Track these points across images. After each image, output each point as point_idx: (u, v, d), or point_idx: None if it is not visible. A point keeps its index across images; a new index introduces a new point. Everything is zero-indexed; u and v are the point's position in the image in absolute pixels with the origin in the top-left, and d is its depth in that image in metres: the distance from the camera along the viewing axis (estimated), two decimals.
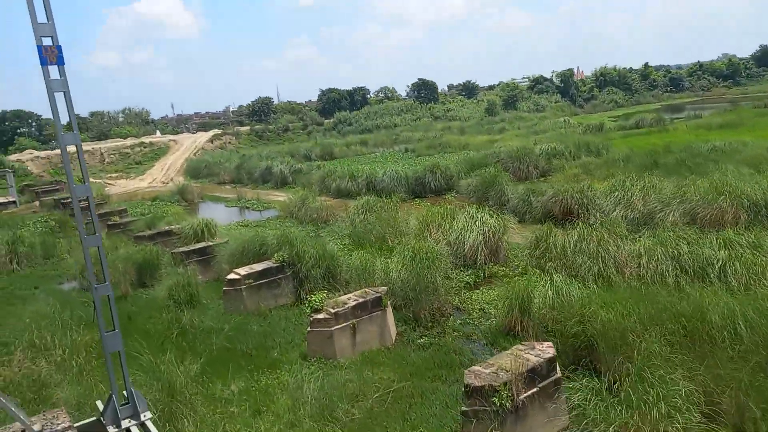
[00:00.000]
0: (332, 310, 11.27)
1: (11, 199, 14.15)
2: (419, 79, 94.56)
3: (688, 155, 25.20)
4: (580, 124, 59.26)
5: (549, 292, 10.92)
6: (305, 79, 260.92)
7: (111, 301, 7.16)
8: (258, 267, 15.04)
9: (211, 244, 18.67)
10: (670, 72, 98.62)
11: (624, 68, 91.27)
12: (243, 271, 14.86)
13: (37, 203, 42.28)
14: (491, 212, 17.28)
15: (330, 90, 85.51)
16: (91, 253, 7.06)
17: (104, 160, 61.49)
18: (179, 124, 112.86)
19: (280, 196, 34.69)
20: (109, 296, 7.16)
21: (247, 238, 16.59)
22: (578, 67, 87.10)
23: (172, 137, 69.45)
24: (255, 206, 32.14)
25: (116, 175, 56.38)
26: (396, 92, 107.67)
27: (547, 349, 8.48)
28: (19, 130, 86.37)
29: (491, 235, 16.25)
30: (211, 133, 71.65)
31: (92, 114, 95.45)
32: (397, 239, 19.37)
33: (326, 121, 76.81)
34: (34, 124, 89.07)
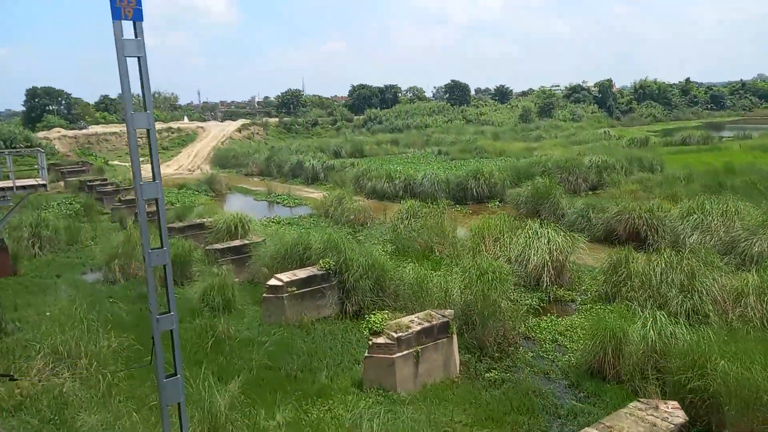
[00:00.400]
0: (394, 335, 9.82)
1: (41, 182, 12.93)
2: (451, 81, 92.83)
3: (759, 178, 23.26)
4: (621, 137, 57.22)
5: (651, 331, 9.31)
6: (332, 74, 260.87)
7: (174, 338, 5.55)
8: (301, 274, 13.66)
9: (247, 242, 17.34)
10: (711, 89, 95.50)
11: (664, 82, 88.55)
12: (285, 277, 13.48)
13: (62, 183, 41.57)
14: (556, 228, 15.67)
15: (361, 86, 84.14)
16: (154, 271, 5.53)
17: None
18: (205, 111, 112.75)
19: (312, 193, 33.42)
20: (173, 332, 5.54)
21: (289, 241, 15.18)
22: (610, 80, 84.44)
23: (200, 124, 68.68)
24: (286, 202, 30.84)
25: (142, 159, 55.48)
26: (423, 92, 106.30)
27: (674, 412, 6.94)
28: (48, 108, 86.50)
29: (557, 255, 14.66)
30: (239, 122, 70.76)
31: (120, 96, 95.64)
32: (446, 250, 17.95)
33: (356, 117, 75.48)
34: (63, 102, 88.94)
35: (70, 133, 60.47)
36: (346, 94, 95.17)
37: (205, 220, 20.84)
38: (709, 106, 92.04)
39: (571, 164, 29.26)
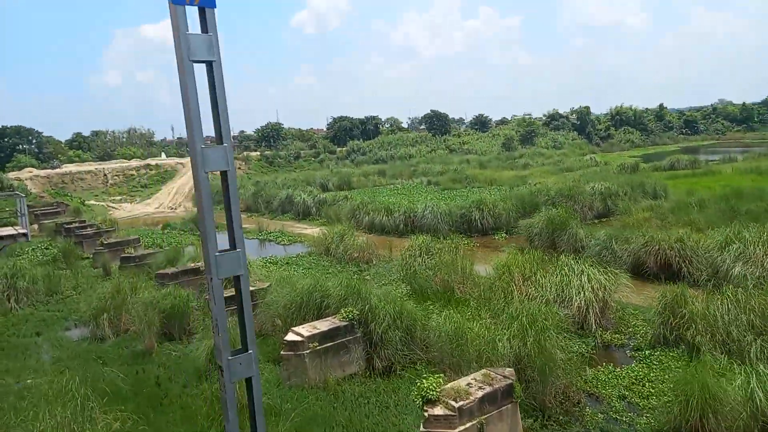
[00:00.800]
0: (454, 404, 8.33)
1: (22, 231, 11.27)
2: (431, 111, 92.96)
3: None
4: (607, 163, 57.27)
5: (757, 390, 8.03)
6: (306, 106, 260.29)
7: (255, 394, 3.89)
8: (322, 326, 12.12)
9: (251, 288, 15.71)
10: (684, 114, 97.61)
11: (639, 109, 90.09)
12: (305, 331, 11.92)
13: (35, 227, 39.15)
14: (592, 263, 14.47)
15: (341, 118, 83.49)
16: None
17: (107, 182, 58.62)
18: (180, 147, 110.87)
19: (306, 229, 31.90)
20: (252, 382, 3.91)
21: (304, 287, 13.63)
22: (588, 107, 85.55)
23: (179, 160, 66.80)
24: (279, 239, 29.23)
25: (120, 198, 53.47)
26: (401, 123, 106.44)
27: None
28: (18, 147, 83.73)
29: (601, 293, 13.42)
30: None
31: (95, 133, 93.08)
32: (468, 290, 16.60)
33: (339, 149, 74.52)
34: (34, 141, 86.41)
35: (43, 172, 58.00)
36: (322, 126, 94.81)
37: (199, 264, 19.12)
38: (684, 130, 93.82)
39: (574, 192, 28.43)
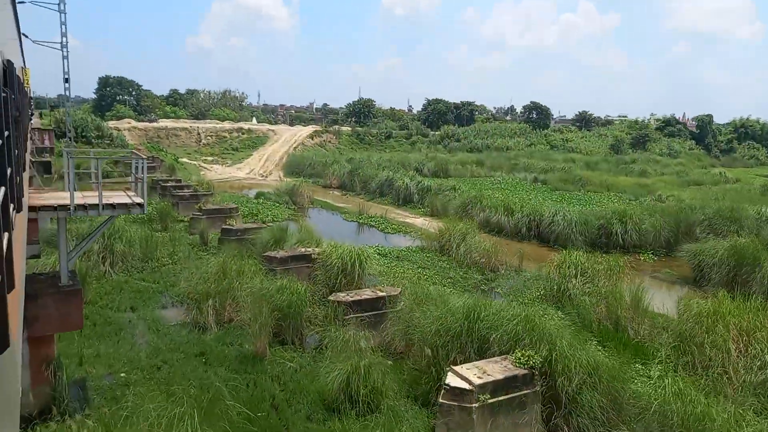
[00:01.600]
0: None
1: (137, 201, 9.13)
2: (531, 102, 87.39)
3: None
4: (737, 179, 50.79)
5: None
6: (388, 86, 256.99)
7: None
8: (493, 371, 9.13)
9: (381, 294, 12.95)
10: None
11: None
12: (473, 375, 8.97)
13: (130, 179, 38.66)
14: None
15: (436, 101, 79.87)
16: None
17: (200, 141, 58.37)
18: (265, 113, 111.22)
19: (408, 217, 29.05)
20: None
21: (458, 311, 10.63)
22: (684, 113, 77.20)
23: (270, 127, 65.85)
24: (382, 227, 26.51)
25: (211, 158, 52.85)
26: (496, 112, 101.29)
27: None
28: (118, 98, 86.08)
29: None
30: (310, 128, 67.58)
31: (190, 92, 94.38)
32: (643, 330, 13.12)
33: (432, 132, 71.15)
34: (133, 93, 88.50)
35: (140, 125, 58.46)
36: (403, 107, 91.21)
37: (311, 250, 16.64)
38: None
39: (736, 215, 23.85)
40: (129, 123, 58.30)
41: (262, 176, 45.68)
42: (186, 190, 28.01)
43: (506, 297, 16.43)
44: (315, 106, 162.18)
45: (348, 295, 12.73)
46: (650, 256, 21.91)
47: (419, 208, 31.30)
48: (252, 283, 13.89)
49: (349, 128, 67.29)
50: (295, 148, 56.34)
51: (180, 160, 48.05)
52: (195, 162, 50.23)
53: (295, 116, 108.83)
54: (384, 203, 33.32)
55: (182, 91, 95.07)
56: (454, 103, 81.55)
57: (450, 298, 11.77)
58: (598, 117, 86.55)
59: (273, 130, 62.60)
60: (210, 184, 29.55)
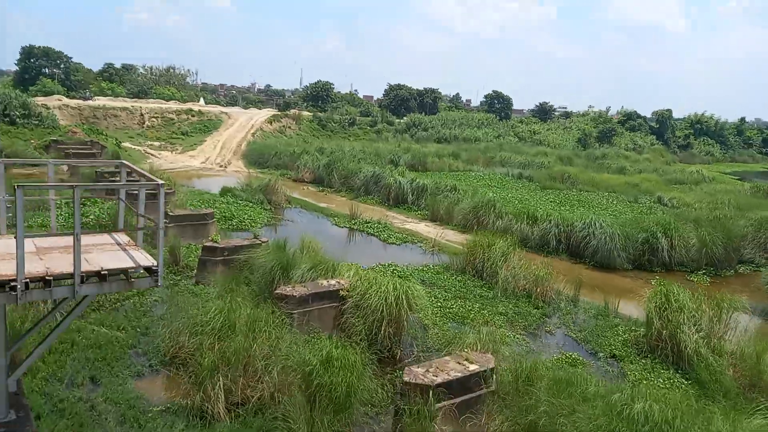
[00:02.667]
0: None
1: (145, 262, 5.07)
2: (493, 91, 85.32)
3: None
4: (713, 178, 50.12)
5: None
6: (330, 69, 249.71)
7: None
8: None
9: (473, 368, 9.12)
10: (763, 132, 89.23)
11: (721, 119, 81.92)
12: None
13: (65, 168, 32.75)
14: None
15: (398, 86, 75.86)
16: None
17: (144, 123, 51.93)
18: (213, 92, 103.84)
19: (407, 222, 25.27)
20: None
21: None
22: (670, 110, 77.26)
23: (222, 109, 59.95)
24: (382, 235, 22.57)
25: (159, 144, 46.81)
26: (460, 100, 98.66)
27: None
28: (44, 70, 76.92)
29: None
30: (265, 111, 62.18)
31: (126, 67, 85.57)
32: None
33: (396, 120, 67.23)
34: (62, 66, 79.21)
35: (73, 102, 51.29)
36: (345, 91, 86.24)
37: (336, 283, 12.59)
38: (763, 149, 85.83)
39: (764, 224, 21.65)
40: (59, 100, 50.95)
41: (221, 166, 40.46)
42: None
43: (584, 343, 13.07)
44: (258, 87, 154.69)
45: (428, 371, 8.81)
46: (704, 277, 19.19)
47: (415, 210, 27.53)
48: (271, 340, 9.86)
49: (310, 113, 62.33)
50: (253, 134, 51.03)
51: (122, 145, 41.93)
52: (139, 147, 44.16)
53: (242, 98, 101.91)
54: (370, 203, 29.33)
55: (118, 65, 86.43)
56: (417, 89, 77.91)
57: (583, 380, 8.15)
58: (561, 108, 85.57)
59: (226, 113, 56.83)
60: (171, 180, 24.53)
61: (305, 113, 61.61)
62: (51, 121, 38.58)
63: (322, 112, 66.19)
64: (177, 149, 45.34)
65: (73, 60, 79.42)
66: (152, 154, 42.34)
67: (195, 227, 19.05)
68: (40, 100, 48.44)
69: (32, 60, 76.08)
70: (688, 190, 38.90)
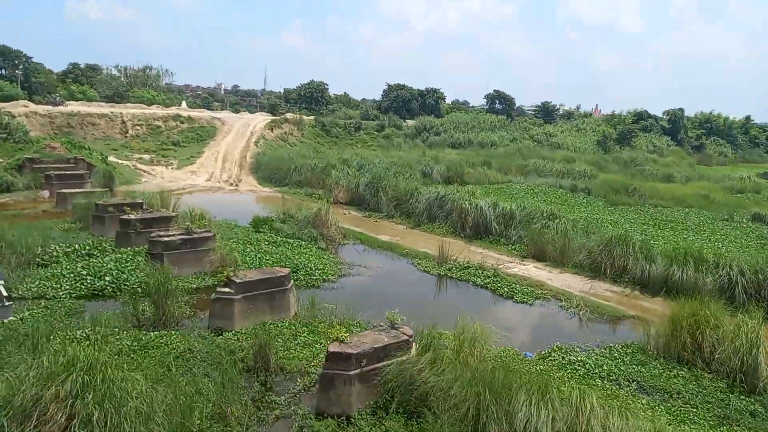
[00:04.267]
0: None
1: None
2: (495, 91, 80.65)
3: None
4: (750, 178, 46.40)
5: None
6: (292, 66, 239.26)
7: None
8: None
9: None
10: (766, 131, 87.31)
11: (730, 118, 79.36)
12: None
13: (46, 194, 26.24)
14: None
15: (399, 86, 70.21)
16: None
17: (127, 132, 44.98)
18: (196, 96, 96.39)
19: (509, 263, 19.76)
20: None
21: None
22: (596, 105, 74.24)
23: (214, 114, 53.26)
24: (502, 289, 17.03)
25: (148, 157, 40.06)
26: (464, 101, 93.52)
27: None
28: (0, 72, 68.63)
29: None
30: (260, 116, 55.81)
31: (89, 66, 76.83)
32: None
33: (404, 123, 61.62)
34: (20, 67, 70.75)
35: (41, 109, 43.94)
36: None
37: None
38: None
39: None
40: (25, 106, 43.49)
41: (231, 184, 34.20)
42: (171, 231, 16.78)
43: None
44: (224, 87, 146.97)
45: None
46: None
47: (504, 243, 22.10)
48: None
49: (311, 118, 56.20)
50: (255, 142, 44.75)
51: (108, 160, 35.17)
52: (127, 162, 37.43)
53: (228, 101, 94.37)
54: (439, 232, 23.82)
55: (82, 64, 77.86)
56: (418, 90, 72.45)
57: None
58: (568, 108, 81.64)
59: (219, 119, 50.23)
60: (203, 216, 18.41)
61: (307, 118, 55.47)
62: (22, 134, 31.53)
63: (316, 114, 60.24)
64: (172, 163, 38.74)
65: (33, 59, 71.17)
66: (145, 171, 35.74)
67: (270, 297, 13.22)
68: (1, 106, 41.00)
69: None
70: (765, 201, 34.87)
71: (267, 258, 17.54)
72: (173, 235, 16.29)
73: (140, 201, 21.01)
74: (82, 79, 70.42)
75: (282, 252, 18.44)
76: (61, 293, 14.12)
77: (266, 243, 19.68)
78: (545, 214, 22.41)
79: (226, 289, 12.81)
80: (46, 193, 26.03)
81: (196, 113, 51.53)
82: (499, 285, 17.05)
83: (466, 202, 23.52)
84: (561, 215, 22.72)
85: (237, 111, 63.13)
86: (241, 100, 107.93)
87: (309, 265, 17.36)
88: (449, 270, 18.44)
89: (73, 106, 47.45)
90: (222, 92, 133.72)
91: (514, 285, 17.07)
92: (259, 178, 35.93)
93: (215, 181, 34.69)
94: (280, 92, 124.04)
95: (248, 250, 18.34)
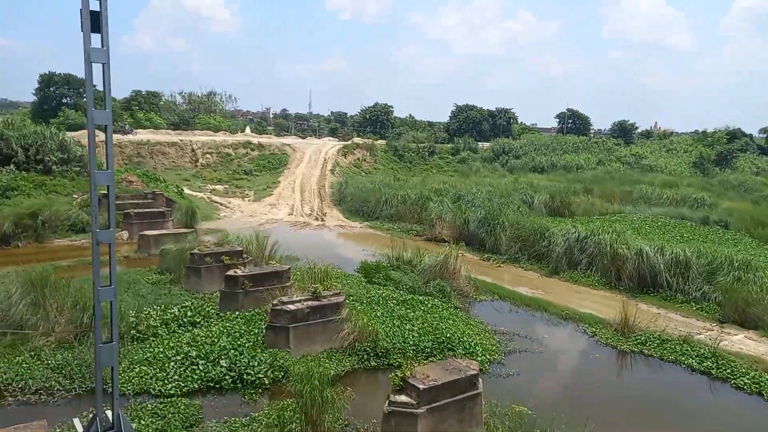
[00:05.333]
0: None
1: None
2: (568, 110, 75.99)
3: None
4: None
5: None
6: (335, 91, 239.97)
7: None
8: None
9: None
10: None
11: None
12: None
13: (125, 236, 23.52)
14: None
15: (468, 107, 66.55)
16: None
17: (197, 160, 42.78)
18: (261, 122, 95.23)
19: (711, 334, 15.30)
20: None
21: None
22: (656, 122, 67.62)
23: (283, 140, 50.76)
24: (735, 377, 12.65)
25: (221, 188, 37.46)
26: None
27: None
28: (65, 100, 68.60)
29: None
30: (329, 141, 53.02)
31: (151, 93, 76.04)
32: None
33: (480, 146, 57.71)
34: (84, 95, 70.62)
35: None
36: (355, 112, 76.92)
37: None
38: None
39: None
40: (95, 136, 41.88)
41: (316, 218, 30.92)
42: (296, 296, 13.21)
43: None
44: (273, 111, 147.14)
45: None
46: None
47: (681, 300, 17.64)
48: None
49: (383, 142, 52.96)
50: (331, 170, 41.71)
51: (183, 192, 32.57)
52: (201, 194, 34.84)
53: (294, 125, 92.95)
54: (584, 282, 19.62)
55: (146, 90, 77.48)
56: (488, 110, 68.56)
57: None
58: (645, 129, 76.04)
59: (289, 145, 47.59)
60: (328, 273, 14.79)
61: (379, 143, 52.32)
62: (97, 167, 29.18)
63: (383, 138, 57.15)
64: (248, 195, 35.93)
65: (97, 87, 71.04)
66: (221, 204, 32.98)
67: (460, 406, 9.41)
68: (74, 134, 39.36)
69: (52, 89, 68.02)
70: None
71: (408, 327, 13.83)
72: (299, 302, 12.77)
73: (239, 248, 17.79)
74: (145, 107, 69.79)
75: (420, 316, 14.67)
76: (169, 387, 10.73)
77: (393, 301, 15.99)
78: (735, 263, 17.82)
79: (404, 399, 9.04)
80: (125, 234, 23.27)
81: (265, 140, 49.13)
82: (728, 372, 12.68)
83: (623, 247, 19.20)
84: (757, 264, 18.08)
85: (304, 137, 60.68)
86: (297, 124, 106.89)
87: (463, 338, 13.49)
88: (641, 344, 14.20)
89: (141, 135, 45.75)
90: (271, 116, 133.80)
91: (751, 373, 12.65)
92: (343, 211, 32.59)
93: (297, 214, 31.50)
94: (328, 116, 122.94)
95: (379, 313, 14.68)
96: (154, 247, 20.82)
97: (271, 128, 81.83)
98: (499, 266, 22.11)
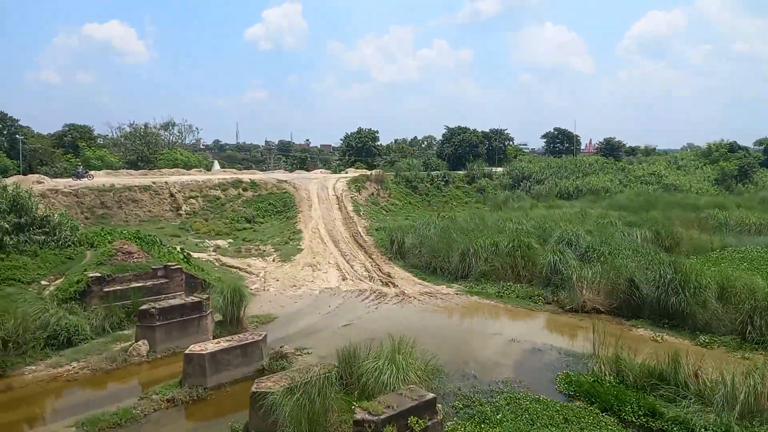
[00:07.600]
0: None
1: None
2: (555, 129, 71.70)
3: None
4: None
5: None
6: (258, 122, 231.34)
7: None
8: None
9: None
10: None
11: None
12: None
13: (143, 350, 14.71)
14: None
15: (462, 129, 60.31)
16: None
17: (179, 208, 33.44)
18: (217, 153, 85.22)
19: None
20: None
21: None
22: (591, 140, 66.38)
23: (279, 176, 42.00)
24: None
25: (227, 244, 28.46)
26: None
27: None
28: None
29: None
30: (325, 174, 44.90)
31: (68, 126, 61.65)
32: None
33: (494, 171, 51.23)
34: (5, 132, 58.68)
35: (62, 185, 32.31)
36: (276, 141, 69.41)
37: None
38: None
39: None
40: (40, 182, 31.75)
41: (383, 283, 22.72)
42: None
43: None
44: (203, 142, 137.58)
45: None
46: None
47: None
48: None
49: (392, 173, 45.35)
50: (355, 210, 33.71)
51: (190, 257, 23.46)
52: (203, 254, 25.79)
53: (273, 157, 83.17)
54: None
55: (81, 124, 65.27)
56: (482, 131, 62.64)
57: None
58: (630, 146, 73.15)
59: (286, 181, 39.08)
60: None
61: (388, 174, 44.77)
62: (69, 231, 19.59)
63: (369, 167, 49.87)
64: (267, 251, 27.18)
65: (20, 122, 58.70)
66: (238, 269, 24.19)
67: None
68: (10, 181, 29.01)
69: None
70: None
71: None
72: None
73: (429, 395, 9.69)
74: (90, 143, 57.82)
75: None
76: None
77: None
78: None
79: None
80: (143, 348, 14.36)
81: (257, 177, 40.26)
82: None
83: None
84: None
85: (292, 170, 52.08)
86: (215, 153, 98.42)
87: None
88: None
89: (99, 178, 35.81)
90: (202, 146, 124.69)
91: None
92: (408, 267, 24.72)
93: (351, 277, 23.26)
94: (268, 145, 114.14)
95: None
96: (214, 374, 12.30)
97: (239, 165, 72.38)
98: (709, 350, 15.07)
